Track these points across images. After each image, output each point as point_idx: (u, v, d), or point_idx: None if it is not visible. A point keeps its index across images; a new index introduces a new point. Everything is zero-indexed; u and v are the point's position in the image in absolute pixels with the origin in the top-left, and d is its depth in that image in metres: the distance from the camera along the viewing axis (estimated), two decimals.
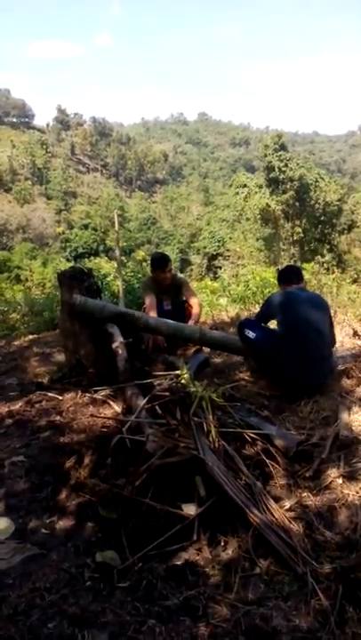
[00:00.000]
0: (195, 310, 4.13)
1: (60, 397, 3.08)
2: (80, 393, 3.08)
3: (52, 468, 2.31)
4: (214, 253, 37.32)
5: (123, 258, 9.27)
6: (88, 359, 3.28)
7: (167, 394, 2.33)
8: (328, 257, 25.74)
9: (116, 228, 9.32)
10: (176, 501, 1.94)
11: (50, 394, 3.15)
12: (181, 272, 34.48)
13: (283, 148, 32.15)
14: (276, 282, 3.84)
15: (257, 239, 31.26)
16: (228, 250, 33.55)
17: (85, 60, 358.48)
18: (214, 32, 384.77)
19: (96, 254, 40.88)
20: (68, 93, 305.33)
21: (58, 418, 2.83)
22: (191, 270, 39.49)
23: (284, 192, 30.46)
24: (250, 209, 31.67)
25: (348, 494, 2.03)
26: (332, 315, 3.36)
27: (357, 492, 2.03)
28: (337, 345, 3.39)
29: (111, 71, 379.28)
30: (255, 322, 3.29)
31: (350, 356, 3.39)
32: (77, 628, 1.45)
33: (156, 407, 2.27)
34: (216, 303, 7.00)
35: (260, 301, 5.95)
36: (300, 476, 2.18)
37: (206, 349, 3.81)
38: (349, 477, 2.14)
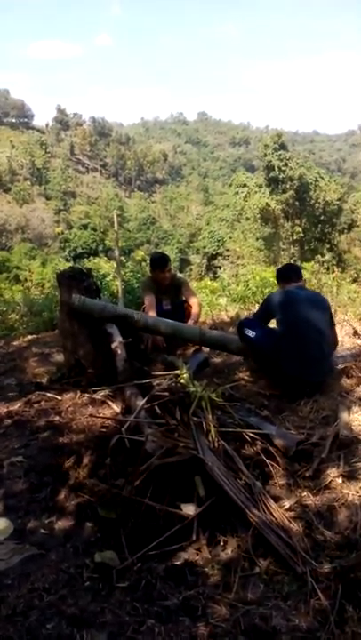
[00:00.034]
0: (194, 310, 4.13)
1: (59, 397, 3.08)
2: (79, 393, 3.07)
3: (51, 469, 2.31)
4: (214, 253, 37.29)
5: (122, 258, 9.27)
6: (87, 359, 3.27)
7: (166, 394, 2.32)
8: (328, 256, 25.75)
9: (116, 227, 9.31)
10: (175, 501, 1.93)
11: (49, 394, 3.14)
12: (181, 272, 34.46)
13: (283, 147, 32.15)
14: (275, 281, 3.84)
15: (257, 239, 31.26)
16: (227, 249, 33.55)
17: (85, 60, 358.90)
18: (214, 32, 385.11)
19: (95, 254, 40.88)
20: (67, 93, 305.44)
21: (57, 418, 2.82)
22: (191, 270, 39.46)
23: (284, 191, 30.46)
24: (249, 208, 31.67)
25: (348, 494, 2.02)
26: (332, 313, 3.35)
27: (357, 492, 2.03)
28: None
29: (111, 71, 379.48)
30: (255, 321, 3.29)
31: (350, 355, 3.39)
32: (76, 628, 1.44)
33: (156, 407, 2.26)
34: (216, 303, 7.00)
35: (260, 301, 5.95)
36: (300, 476, 2.18)
37: (206, 349, 3.81)
38: (349, 477, 2.13)
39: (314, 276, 8.12)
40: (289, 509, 1.98)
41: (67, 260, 42.62)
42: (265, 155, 31.86)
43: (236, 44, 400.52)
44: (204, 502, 1.90)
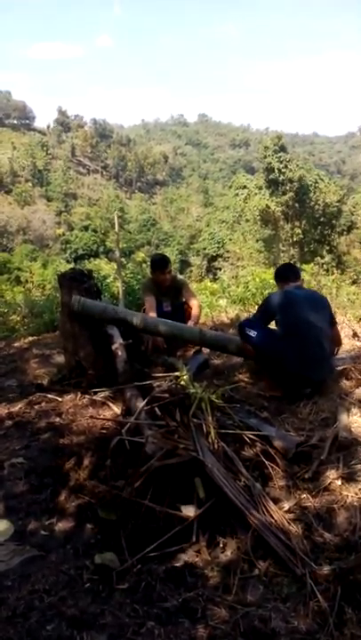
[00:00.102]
0: (194, 311, 4.14)
1: (60, 399, 3.08)
2: (80, 394, 3.08)
3: (51, 470, 2.31)
4: (214, 255, 37.33)
5: (123, 259, 9.29)
6: (88, 361, 3.28)
7: (167, 395, 2.33)
8: (328, 258, 25.80)
9: (116, 229, 9.33)
10: (175, 503, 1.94)
11: (49, 395, 3.15)
12: (181, 273, 34.45)
13: (282, 149, 32.23)
14: (275, 282, 3.84)
15: (257, 240, 31.31)
16: (227, 251, 33.61)
17: (86, 61, 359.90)
18: (214, 32, 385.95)
19: (96, 256, 40.91)
20: (68, 93, 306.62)
21: (57, 419, 2.83)
22: (191, 271, 39.47)
23: (284, 193, 30.53)
24: (249, 210, 31.74)
25: (347, 496, 2.03)
26: (333, 311, 3.35)
27: (356, 494, 2.03)
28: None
29: (111, 72, 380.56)
30: (256, 322, 3.29)
31: (349, 357, 3.39)
32: (76, 629, 1.45)
33: (156, 409, 2.27)
34: (216, 304, 7.00)
35: (260, 302, 5.96)
36: (300, 478, 2.18)
37: (206, 350, 3.81)
38: (348, 479, 2.13)
39: (313, 277, 8.13)
40: (288, 511, 1.98)
41: (68, 261, 42.68)
42: (265, 156, 31.95)
43: (236, 44, 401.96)
44: (203, 504, 1.90)
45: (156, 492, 1.94)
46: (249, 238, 31.84)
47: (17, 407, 3.08)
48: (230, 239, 35.01)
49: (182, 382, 2.42)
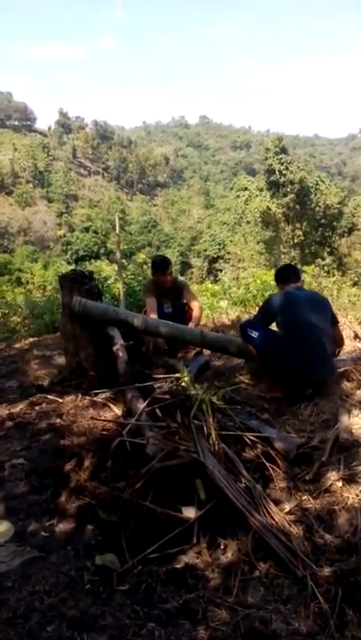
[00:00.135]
0: (195, 313, 4.14)
1: (61, 400, 3.08)
2: (80, 396, 3.08)
3: (52, 471, 2.31)
4: (215, 256, 37.34)
5: (123, 261, 9.31)
6: (88, 362, 3.28)
7: (167, 397, 2.33)
8: (328, 260, 25.78)
9: (117, 230, 9.36)
10: (176, 504, 1.94)
11: (50, 396, 3.15)
12: (182, 275, 34.50)
13: (283, 151, 32.28)
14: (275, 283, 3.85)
15: (257, 242, 31.34)
16: (228, 253, 33.65)
17: (88, 63, 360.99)
18: (214, 32, 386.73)
19: (97, 257, 41.04)
20: (69, 95, 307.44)
21: (58, 420, 2.83)
22: (192, 273, 39.51)
23: (285, 195, 30.56)
24: (250, 212, 31.78)
25: (348, 497, 2.02)
26: (334, 311, 3.35)
27: (357, 495, 2.03)
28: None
29: (113, 73, 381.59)
30: (257, 323, 3.30)
31: (350, 359, 3.39)
32: (77, 631, 1.45)
33: (157, 410, 2.27)
34: (217, 306, 7.01)
35: (261, 304, 5.96)
36: (300, 479, 2.18)
37: (207, 352, 3.81)
38: (349, 480, 2.13)
39: (314, 279, 8.14)
40: (289, 513, 1.98)
41: (68, 262, 42.76)
42: (266, 158, 32.00)
43: (236, 45, 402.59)
44: (204, 505, 1.90)
45: (156, 494, 1.94)
46: (250, 240, 31.87)
47: (18, 408, 3.08)
48: (231, 241, 35.05)
49: (183, 384, 2.42)
